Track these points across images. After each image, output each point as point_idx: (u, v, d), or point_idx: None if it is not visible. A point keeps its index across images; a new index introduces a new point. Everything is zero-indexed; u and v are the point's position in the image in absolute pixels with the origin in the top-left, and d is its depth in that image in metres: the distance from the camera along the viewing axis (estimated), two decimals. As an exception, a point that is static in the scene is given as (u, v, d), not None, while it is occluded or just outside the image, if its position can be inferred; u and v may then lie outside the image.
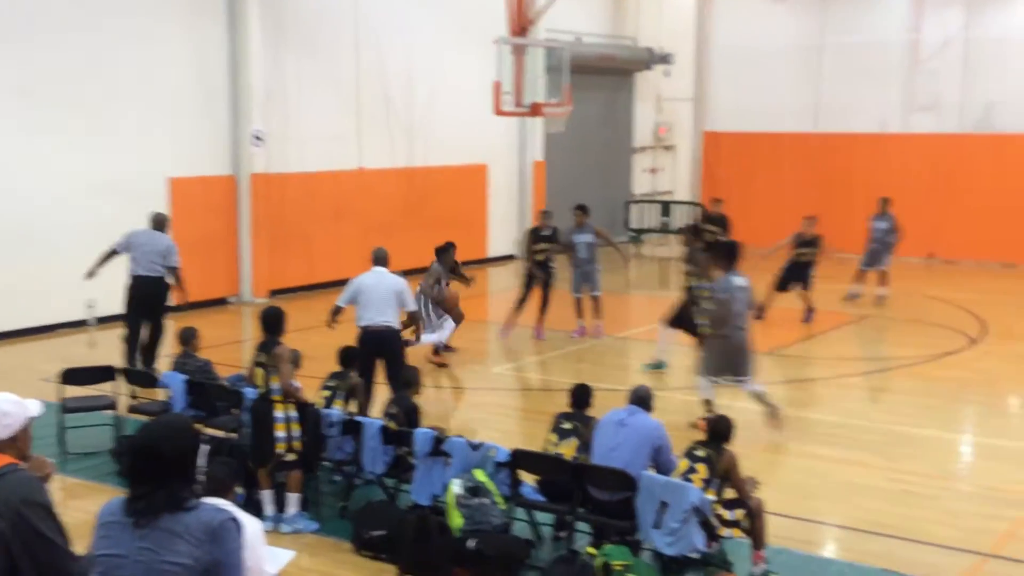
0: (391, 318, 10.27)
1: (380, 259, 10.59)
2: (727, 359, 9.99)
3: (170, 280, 12.18)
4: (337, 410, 8.63)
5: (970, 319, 15.80)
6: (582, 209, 14.64)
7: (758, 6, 25.92)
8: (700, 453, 7.07)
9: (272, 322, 8.20)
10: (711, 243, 12.16)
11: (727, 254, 10.10)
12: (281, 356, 7.90)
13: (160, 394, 9.75)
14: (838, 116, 23.57)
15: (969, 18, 22.22)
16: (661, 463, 7.24)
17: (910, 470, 9.31)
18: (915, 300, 17.68)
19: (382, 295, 10.24)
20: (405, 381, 8.81)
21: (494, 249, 21.64)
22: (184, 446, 3.50)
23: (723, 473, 7.00)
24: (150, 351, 12.19)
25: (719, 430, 7.21)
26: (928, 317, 16.15)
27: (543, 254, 14.49)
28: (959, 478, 9.47)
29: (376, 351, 10.08)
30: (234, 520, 3.50)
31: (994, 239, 21.39)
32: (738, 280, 9.88)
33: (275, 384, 7.91)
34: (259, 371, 8.02)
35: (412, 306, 10.69)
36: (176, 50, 15.95)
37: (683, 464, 7.10)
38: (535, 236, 14.68)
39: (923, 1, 24.41)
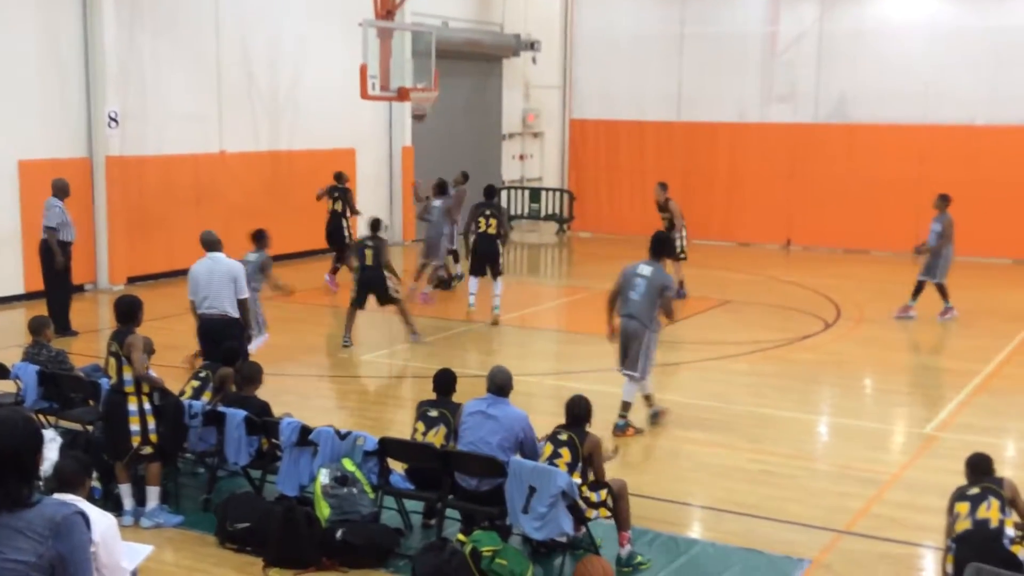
0: (227, 306, 9.85)
1: (211, 244, 10.11)
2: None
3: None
4: (200, 401, 8.39)
5: (826, 304, 16.38)
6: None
7: (623, -5, 26.28)
8: (563, 437, 7.12)
9: (126, 311, 7.87)
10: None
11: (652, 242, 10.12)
12: (133, 344, 7.59)
13: (11, 386, 9.30)
14: (699, 105, 24.10)
15: (823, 11, 22.97)
16: (527, 453, 7.25)
17: (771, 451, 9.60)
18: (775, 285, 18.25)
19: (215, 282, 9.84)
20: (245, 376, 8.41)
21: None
22: (21, 442, 3.33)
23: (587, 456, 7.07)
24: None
25: (579, 412, 7.24)
26: (787, 302, 16.68)
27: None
28: (816, 458, 9.80)
29: (212, 340, 9.65)
30: (81, 514, 3.38)
31: (847, 226, 22.22)
32: (641, 267, 9.86)
33: (128, 375, 7.62)
34: (112, 361, 7.70)
35: (244, 293, 10.01)
36: (25, 27, 15.23)
37: (547, 449, 7.14)
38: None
39: (780, -6, 25.14)
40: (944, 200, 14.97)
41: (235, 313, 9.89)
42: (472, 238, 15.10)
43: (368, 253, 13.15)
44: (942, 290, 14.99)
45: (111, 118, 16.13)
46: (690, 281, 16.99)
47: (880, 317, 15.43)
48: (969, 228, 19.30)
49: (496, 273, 14.72)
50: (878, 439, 10.24)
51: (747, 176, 23.39)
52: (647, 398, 10.22)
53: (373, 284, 13.16)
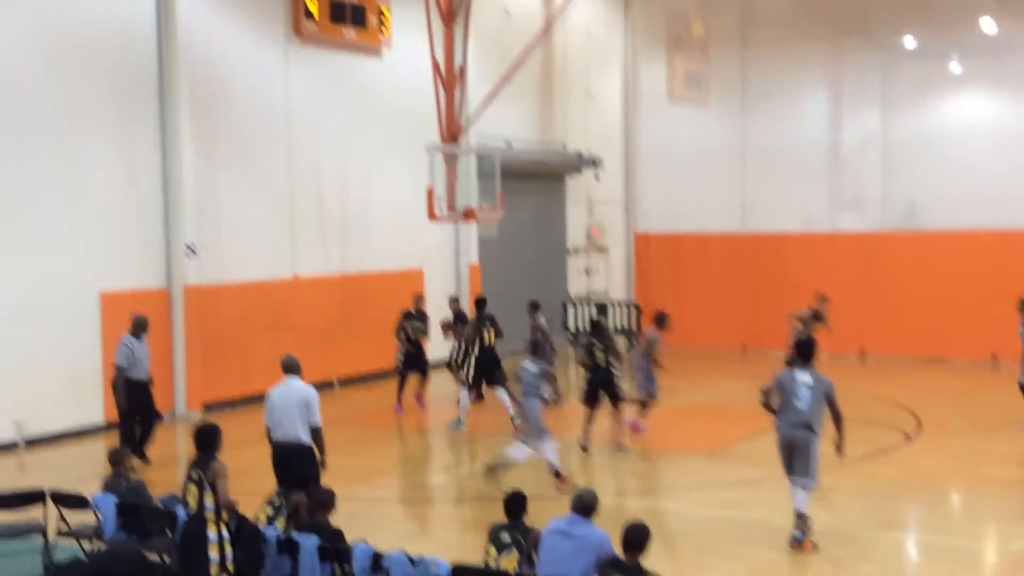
0: (299, 432, 9.72)
1: (289, 367, 10.05)
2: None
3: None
4: (274, 528, 8.41)
5: (905, 415, 16.00)
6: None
7: (682, 110, 26.70)
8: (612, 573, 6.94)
9: (206, 439, 8.00)
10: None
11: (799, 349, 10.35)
12: (218, 472, 7.73)
13: (91, 516, 9.42)
14: (765, 215, 24.14)
15: (886, 119, 23.07)
16: None
17: (854, 571, 9.28)
18: (852, 396, 17.86)
19: (288, 408, 9.76)
20: (318, 502, 8.35)
21: (431, 354, 21.53)
22: (130, 574, 3.38)
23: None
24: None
25: (634, 541, 6.94)
26: (865, 413, 16.31)
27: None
28: (903, 577, 9.45)
29: (285, 467, 9.61)
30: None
31: (922, 335, 21.83)
32: (798, 374, 9.94)
33: (209, 502, 7.69)
34: (193, 488, 7.80)
35: (316, 421, 9.78)
36: (107, 162, 15.86)
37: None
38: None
39: (840, 104, 25.36)
40: None
41: (308, 439, 9.79)
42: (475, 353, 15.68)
43: (598, 354, 13.60)
44: None
45: (189, 248, 16.62)
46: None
47: (963, 428, 15.01)
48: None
49: (493, 382, 15.50)
50: (967, 557, 9.86)
51: (817, 285, 23.16)
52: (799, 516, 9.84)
53: (604, 383, 13.71)
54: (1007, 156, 21.63)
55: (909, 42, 24.96)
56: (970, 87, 25.84)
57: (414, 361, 16.73)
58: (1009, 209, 21.29)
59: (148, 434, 13.62)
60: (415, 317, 16.83)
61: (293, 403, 9.80)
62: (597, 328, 14.47)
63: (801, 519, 9.80)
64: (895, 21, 25.20)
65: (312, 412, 9.81)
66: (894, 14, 24.98)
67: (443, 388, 18.17)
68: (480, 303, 16.45)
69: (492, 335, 15.73)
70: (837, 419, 9.93)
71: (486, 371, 15.54)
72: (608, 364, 13.81)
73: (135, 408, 13.49)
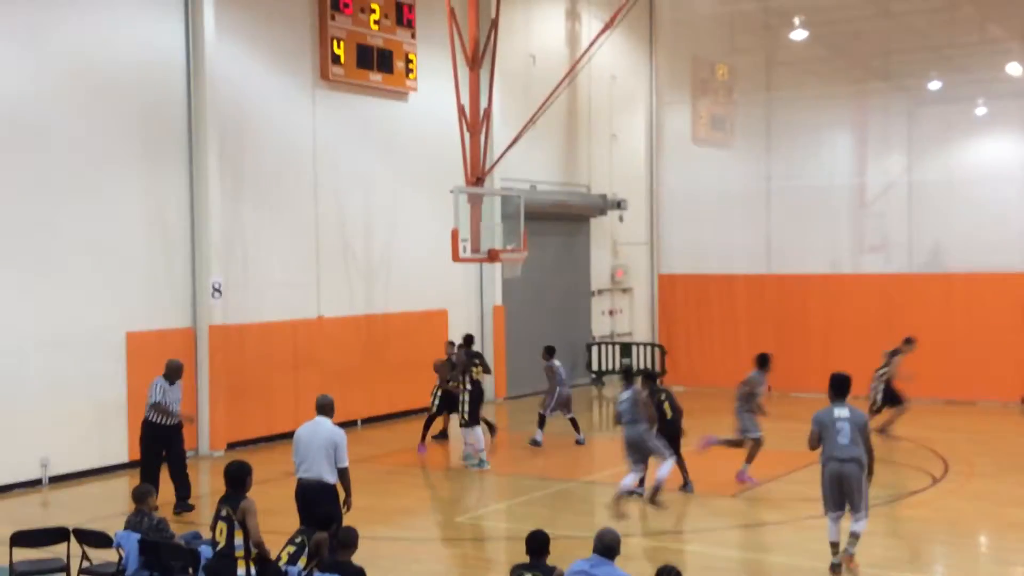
0: (324, 472, 9.73)
1: (321, 408, 10.11)
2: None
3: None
4: (296, 567, 8.41)
5: (932, 457, 15.83)
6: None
7: (706, 152, 26.77)
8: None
9: (238, 476, 8.10)
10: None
11: (831, 384, 10.43)
12: (249, 510, 7.82)
13: (113, 555, 9.45)
14: (790, 257, 24.08)
15: (912, 162, 23.05)
16: (629, 617, 7.06)
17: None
18: (877, 438, 17.69)
19: (315, 447, 9.77)
20: (341, 542, 8.27)
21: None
22: None
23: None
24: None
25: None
26: (891, 456, 16.15)
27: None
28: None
29: (309, 506, 9.60)
30: None
31: (949, 377, 21.63)
32: (836, 411, 10.14)
33: (238, 540, 7.76)
34: (223, 525, 7.86)
35: (343, 462, 9.80)
36: (135, 202, 16.04)
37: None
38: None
39: (865, 147, 25.38)
40: None
41: (332, 479, 9.79)
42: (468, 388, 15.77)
43: (666, 407, 13.59)
44: None
45: (215, 288, 16.76)
46: (789, 435, 16.54)
47: (990, 471, 14.82)
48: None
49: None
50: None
51: (843, 327, 23.05)
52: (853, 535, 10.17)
53: (673, 435, 13.49)
54: (1033, 199, 21.58)
55: (934, 85, 24.98)
56: (996, 130, 25.80)
57: (452, 401, 16.49)
58: (1036, 252, 21.18)
59: (183, 479, 13.24)
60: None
61: (320, 443, 9.83)
62: (650, 378, 14.07)
63: (855, 536, 10.12)
64: (920, 64, 25.26)
65: (340, 454, 9.83)
66: (919, 57, 25.05)
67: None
68: (467, 340, 16.89)
69: (479, 372, 16.12)
70: (869, 452, 10.10)
71: (475, 407, 15.69)
72: (674, 414, 13.57)
73: (159, 450, 13.16)
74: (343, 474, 9.83)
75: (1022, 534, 12.30)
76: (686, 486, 13.58)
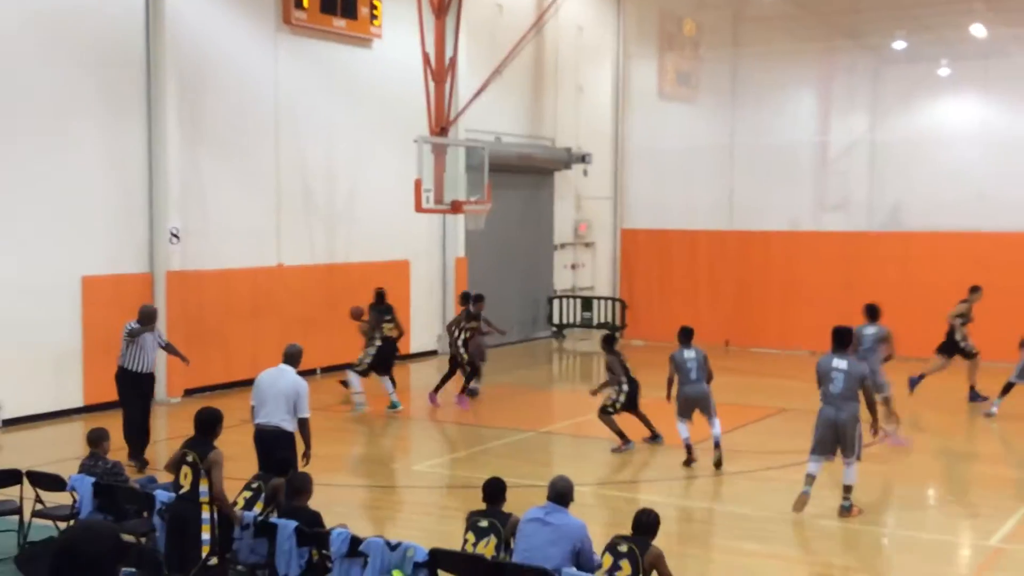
0: (283, 419, 9.77)
1: (289, 356, 10.20)
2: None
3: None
4: (252, 511, 8.41)
5: (883, 412, 16.03)
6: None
7: (672, 107, 26.71)
8: (623, 548, 7.00)
9: (208, 424, 8.14)
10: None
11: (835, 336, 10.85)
12: (216, 462, 7.84)
13: (67, 497, 9.39)
14: (752, 213, 24.18)
15: (875, 121, 23.13)
16: (583, 564, 7.13)
17: (832, 564, 9.32)
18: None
19: (274, 394, 9.82)
20: (295, 488, 8.32)
21: (416, 345, 21.54)
22: (103, 551, 3.37)
23: (648, 568, 6.93)
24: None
25: (645, 524, 7.16)
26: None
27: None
28: (879, 572, 9.50)
29: (266, 452, 9.62)
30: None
31: (905, 334, 21.84)
32: (835, 360, 10.65)
33: (203, 487, 7.76)
34: (188, 470, 7.85)
35: (304, 412, 9.83)
36: (93, 148, 15.78)
37: (607, 560, 7.02)
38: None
39: (829, 105, 25.43)
40: None
41: (289, 427, 9.81)
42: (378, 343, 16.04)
43: (628, 365, 13.78)
44: None
45: (172, 234, 16.56)
46: (745, 389, 16.77)
47: (941, 426, 15.08)
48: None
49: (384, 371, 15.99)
50: (943, 552, 9.92)
51: (802, 284, 23.26)
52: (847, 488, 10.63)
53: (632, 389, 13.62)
54: (994, 160, 21.70)
55: (899, 45, 25.01)
56: (959, 91, 25.90)
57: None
58: (994, 213, 21.37)
59: (143, 432, 12.77)
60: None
61: (281, 390, 9.84)
62: (610, 341, 14.02)
63: (847, 490, 10.58)
64: (886, 24, 25.24)
65: (302, 404, 9.85)
66: (885, 17, 25.02)
67: (425, 378, 18.18)
68: (379, 296, 16.63)
69: (391, 328, 16.22)
70: (870, 403, 10.67)
71: (383, 361, 15.91)
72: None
73: (136, 400, 12.67)
74: (303, 425, 9.85)
75: (969, 487, 12.56)
76: (655, 438, 13.65)
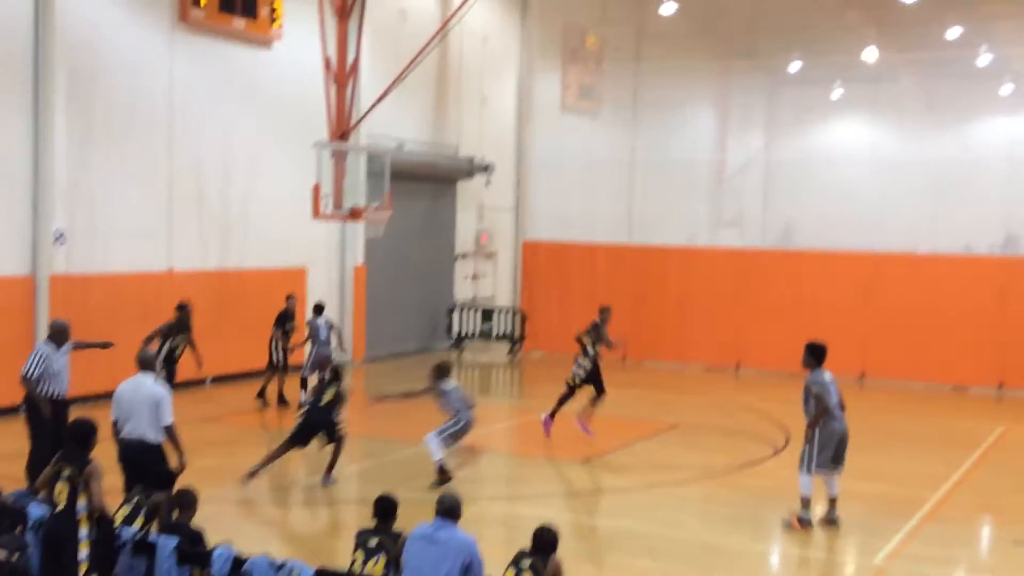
0: (147, 431, 9.43)
1: (143, 363, 9.81)
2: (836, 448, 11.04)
3: None
4: (132, 528, 8.10)
5: (774, 428, 16.36)
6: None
7: (574, 121, 26.91)
8: (525, 564, 6.98)
9: (82, 435, 7.78)
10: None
11: (813, 352, 11.36)
12: (94, 474, 7.51)
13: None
14: (650, 228, 24.49)
15: (769, 140, 23.66)
16: (473, 580, 7.05)
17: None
18: (725, 408, 18.22)
19: (137, 404, 9.48)
20: (179, 503, 7.98)
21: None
22: None
23: (550, 580, 6.93)
24: None
25: (545, 540, 7.12)
26: (737, 426, 16.64)
27: None
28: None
29: (132, 466, 9.29)
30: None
31: (794, 350, 22.31)
32: (826, 375, 11.08)
33: (82, 502, 7.44)
34: (62, 486, 7.52)
35: (167, 420, 9.47)
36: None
37: (509, 574, 6.98)
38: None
39: (727, 123, 25.93)
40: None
41: (154, 439, 9.49)
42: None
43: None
44: None
45: (57, 236, 15.97)
46: (639, 403, 16.91)
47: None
48: (910, 354, 19.52)
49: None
50: (827, 570, 10.10)
51: (696, 299, 23.62)
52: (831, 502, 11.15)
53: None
54: (883, 183, 22.40)
55: (794, 66, 25.63)
56: (850, 113, 26.67)
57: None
58: (882, 233, 22.03)
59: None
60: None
61: (143, 400, 9.54)
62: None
63: (833, 502, 11.15)
64: (782, 45, 25.86)
65: (163, 411, 9.52)
66: (780, 39, 25.63)
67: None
68: (180, 308, 15.48)
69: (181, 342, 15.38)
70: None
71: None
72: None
73: (50, 433, 11.05)
74: (170, 432, 9.54)
75: (853, 504, 12.81)
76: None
